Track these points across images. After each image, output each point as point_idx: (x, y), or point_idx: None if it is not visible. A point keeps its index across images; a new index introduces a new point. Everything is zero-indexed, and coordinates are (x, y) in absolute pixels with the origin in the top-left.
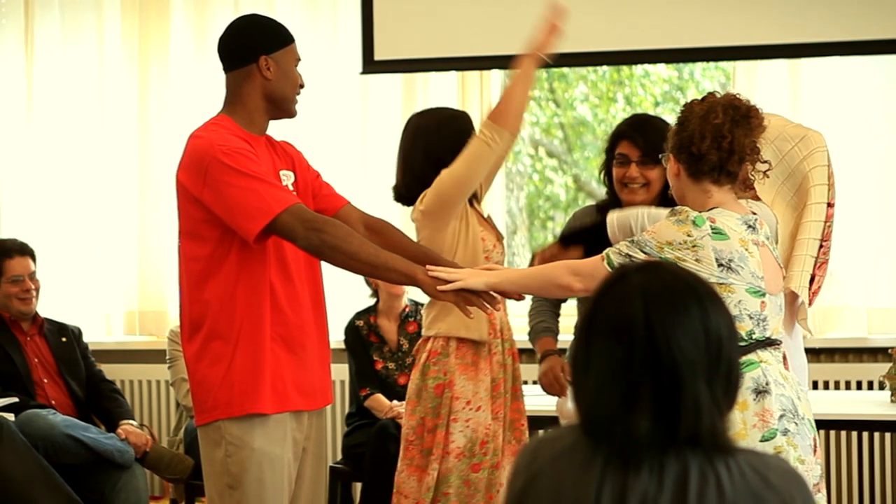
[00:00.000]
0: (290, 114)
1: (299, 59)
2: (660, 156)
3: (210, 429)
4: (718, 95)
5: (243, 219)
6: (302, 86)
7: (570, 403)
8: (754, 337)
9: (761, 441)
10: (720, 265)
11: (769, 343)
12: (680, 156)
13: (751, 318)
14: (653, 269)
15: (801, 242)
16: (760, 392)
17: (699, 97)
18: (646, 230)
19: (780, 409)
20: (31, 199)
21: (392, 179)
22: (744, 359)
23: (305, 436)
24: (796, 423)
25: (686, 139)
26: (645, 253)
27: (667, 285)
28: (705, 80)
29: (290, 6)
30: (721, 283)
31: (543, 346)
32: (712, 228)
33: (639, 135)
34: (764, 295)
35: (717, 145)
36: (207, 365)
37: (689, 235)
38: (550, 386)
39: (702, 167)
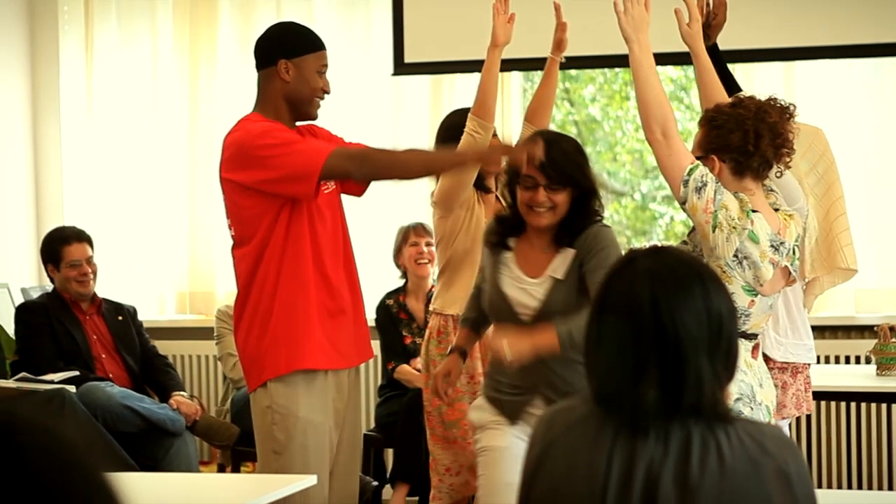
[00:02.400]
0: (308, 116)
1: (325, 66)
2: (692, 166)
3: (260, 395)
4: (744, 96)
5: (296, 181)
6: (326, 91)
7: (473, 413)
8: None
9: None
10: (735, 256)
11: (741, 335)
12: (726, 155)
13: (737, 311)
14: (659, 254)
15: (846, 233)
16: None
17: (726, 101)
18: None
19: (737, 393)
20: (92, 190)
21: (420, 179)
22: None
23: (345, 404)
24: (752, 408)
25: (740, 139)
26: (715, 193)
27: (672, 268)
28: None
29: (327, 12)
30: (724, 272)
31: (458, 340)
32: (751, 230)
33: (548, 158)
34: (756, 295)
35: (773, 142)
36: (256, 338)
37: (738, 219)
38: (434, 390)
39: (751, 163)
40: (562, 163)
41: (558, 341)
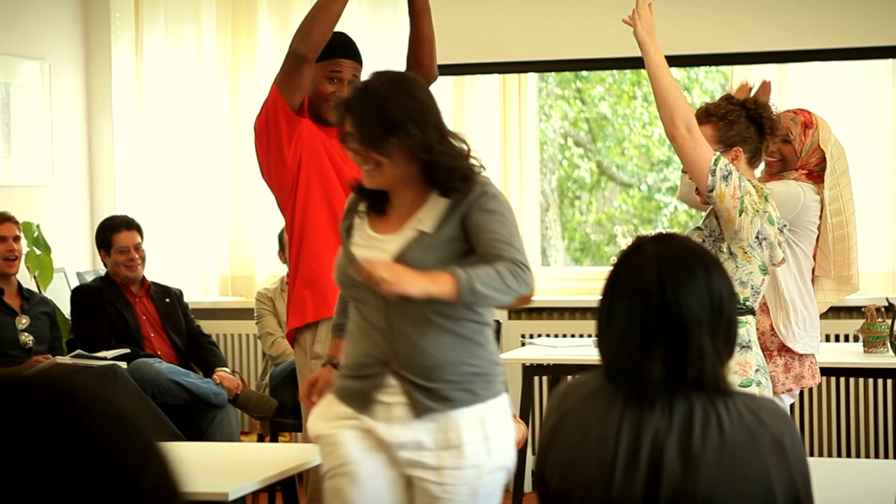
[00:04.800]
0: (322, 120)
1: (335, 73)
2: (716, 156)
3: (301, 361)
4: (733, 94)
5: (270, 110)
6: (334, 96)
7: (311, 422)
8: (747, 304)
9: (740, 387)
10: (757, 238)
11: (751, 311)
12: (745, 146)
13: (752, 288)
14: (665, 240)
15: (854, 246)
16: (743, 347)
17: (736, 98)
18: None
19: (756, 364)
20: (142, 182)
21: None
22: (739, 318)
23: None
24: (766, 378)
25: (755, 132)
26: (739, 179)
27: (677, 253)
28: (708, 81)
29: (357, 16)
30: (746, 252)
31: (330, 349)
32: (770, 213)
33: (353, 114)
34: (767, 274)
35: (782, 136)
36: (291, 295)
37: (759, 203)
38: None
39: (762, 152)
40: (372, 118)
41: (456, 288)
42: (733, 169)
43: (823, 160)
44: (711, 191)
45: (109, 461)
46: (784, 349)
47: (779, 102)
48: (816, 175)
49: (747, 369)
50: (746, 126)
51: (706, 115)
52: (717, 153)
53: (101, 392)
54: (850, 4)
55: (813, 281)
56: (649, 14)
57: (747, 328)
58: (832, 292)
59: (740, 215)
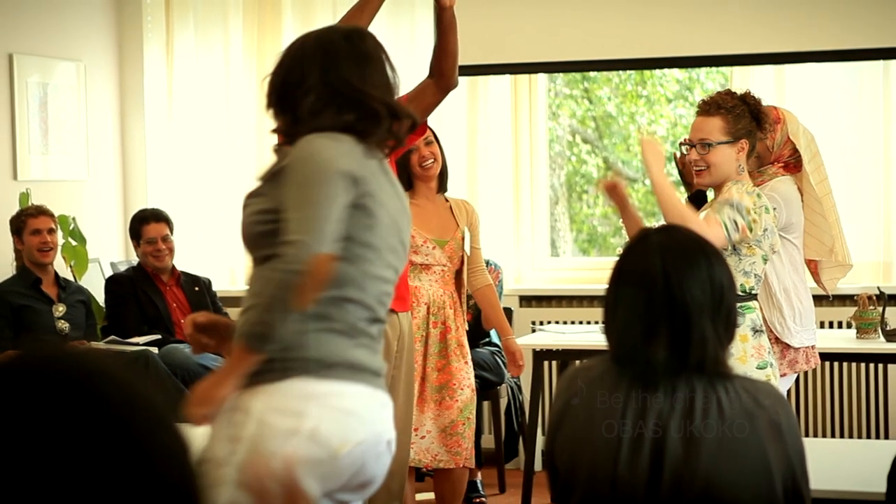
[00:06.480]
0: None
1: None
2: (723, 225)
3: None
4: (729, 90)
5: None
6: None
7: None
8: (753, 291)
9: (757, 368)
10: (763, 230)
11: (756, 297)
12: (750, 139)
13: (756, 276)
14: (669, 231)
15: (836, 223)
16: (757, 331)
17: (739, 93)
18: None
19: (767, 347)
20: (172, 177)
21: (457, 168)
22: (748, 304)
23: (395, 364)
24: (774, 360)
25: (756, 126)
26: (739, 218)
27: (680, 244)
28: (708, 81)
29: (375, 22)
30: (750, 245)
31: None
32: (766, 205)
33: None
34: (767, 261)
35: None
36: None
37: (754, 204)
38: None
39: (756, 146)
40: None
41: (250, 350)
42: (735, 215)
43: (795, 151)
44: (735, 244)
45: (128, 442)
46: (778, 339)
47: (776, 100)
48: (792, 166)
49: (762, 352)
50: (749, 120)
51: (717, 107)
52: (720, 221)
53: (125, 375)
54: (843, 9)
55: (814, 267)
56: (659, 146)
57: (757, 313)
58: (837, 269)
59: (751, 231)
